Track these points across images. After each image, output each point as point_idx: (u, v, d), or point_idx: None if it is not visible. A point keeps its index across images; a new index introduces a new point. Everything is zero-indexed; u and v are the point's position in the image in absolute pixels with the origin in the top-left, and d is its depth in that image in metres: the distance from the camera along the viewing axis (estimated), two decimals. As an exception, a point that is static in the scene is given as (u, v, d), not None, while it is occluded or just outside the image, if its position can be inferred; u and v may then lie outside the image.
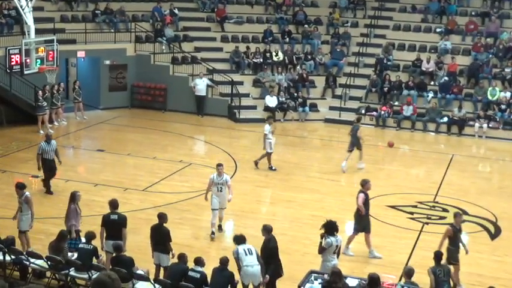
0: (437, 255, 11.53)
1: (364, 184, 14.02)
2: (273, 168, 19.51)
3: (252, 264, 11.27)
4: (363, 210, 13.78)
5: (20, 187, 13.20)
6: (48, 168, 16.97)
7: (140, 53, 27.48)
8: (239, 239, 11.56)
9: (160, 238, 12.08)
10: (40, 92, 23.13)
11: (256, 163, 19.62)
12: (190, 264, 11.19)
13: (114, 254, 11.44)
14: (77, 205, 13.13)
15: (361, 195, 13.89)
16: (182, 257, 11.23)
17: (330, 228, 11.48)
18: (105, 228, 12.24)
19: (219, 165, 14.73)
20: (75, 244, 12.45)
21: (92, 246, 11.74)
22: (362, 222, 13.95)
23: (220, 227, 14.93)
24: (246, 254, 11.29)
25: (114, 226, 12.16)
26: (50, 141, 17.02)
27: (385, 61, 27.72)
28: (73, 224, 12.89)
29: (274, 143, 19.65)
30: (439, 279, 11.18)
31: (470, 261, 13.26)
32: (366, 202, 13.93)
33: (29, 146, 21.34)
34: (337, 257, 11.68)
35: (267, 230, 11.80)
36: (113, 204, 12.50)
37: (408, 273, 11.02)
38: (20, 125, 23.53)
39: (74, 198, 13.11)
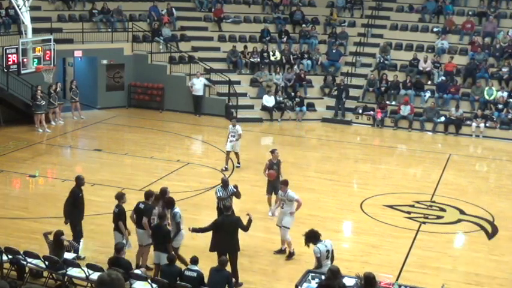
0: None
1: None
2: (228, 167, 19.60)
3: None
4: None
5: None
6: None
7: (137, 53, 27.44)
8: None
9: (160, 237, 12.12)
10: (39, 91, 23.10)
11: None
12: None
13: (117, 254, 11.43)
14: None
15: None
16: (173, 260, 11.24)
17: (312, 237, 11.29)
18: (135, 216, 12.81)
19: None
20: None
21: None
22: None
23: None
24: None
25: (139, 215, 12.67)
26: (227, 186, 14.15)
27: (381, 60, 27.82)
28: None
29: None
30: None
31: (467, 261, 13.27)
32: None
33: (27, 145, 21.34)
34: (331, 261, 11.30)
35: (225, 208, 12.62)
36: (145, 194, 12.97)
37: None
38: (17, 124, 23.50)
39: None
